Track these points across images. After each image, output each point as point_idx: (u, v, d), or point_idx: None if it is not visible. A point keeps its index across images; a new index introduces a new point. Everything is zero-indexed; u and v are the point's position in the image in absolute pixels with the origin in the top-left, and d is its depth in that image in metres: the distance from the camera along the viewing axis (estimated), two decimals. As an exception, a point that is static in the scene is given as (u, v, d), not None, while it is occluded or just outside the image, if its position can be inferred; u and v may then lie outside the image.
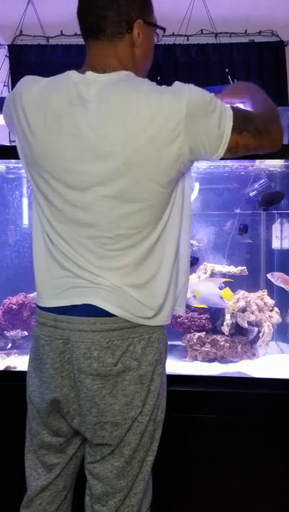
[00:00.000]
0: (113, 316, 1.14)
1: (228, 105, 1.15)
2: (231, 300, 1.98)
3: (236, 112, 1.15)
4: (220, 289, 1.96)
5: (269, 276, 2.11)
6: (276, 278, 2.10)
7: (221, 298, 1.97)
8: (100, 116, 1.08)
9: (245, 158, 1.31)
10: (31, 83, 1.18)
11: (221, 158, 1.16)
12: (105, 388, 1.14)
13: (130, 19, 1.16)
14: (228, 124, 1.12)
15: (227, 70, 2.32)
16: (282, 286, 2.09)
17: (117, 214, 1.12)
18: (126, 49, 1.17)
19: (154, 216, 1.14)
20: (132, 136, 1.07)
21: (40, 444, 1.24)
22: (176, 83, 1.12)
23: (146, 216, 1.13)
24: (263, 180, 2.04)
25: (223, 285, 1.99)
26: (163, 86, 1.12)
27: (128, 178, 1.09)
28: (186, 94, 1.08)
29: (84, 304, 1.14)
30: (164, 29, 1.26)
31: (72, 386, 1.16)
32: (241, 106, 1.33)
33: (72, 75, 1.15)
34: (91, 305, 1.14)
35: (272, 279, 2.10)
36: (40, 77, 1.20)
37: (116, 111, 1.07)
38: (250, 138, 1.16)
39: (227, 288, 1.98)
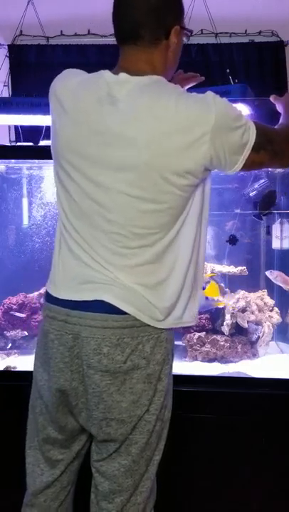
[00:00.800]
0: (124, 313, 1.14)
1: (253, 122, 1.17)
2: (217, 295, 1.97)
3: (260, 130, 1.16)
4: (203, 289, 1.94)
5: (268, 273, 2.11)
6: (275, 276, 2.09)
7: (207, 298, 1.97)
8: (128, 117, 1.10)
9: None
10: (69, 76, 1.21)
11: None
12: (113, 385, 1.14)
13: (168, 25, 1.18)
14: (250, 142, 1.14)
15: (228, 71, 2.32)
16: (281, 284, 2.09)
17: (134, 212, 1.13)
18: (161, 54, 1.19)
19: (170, 219, 1.16)
20: (156, 139, 1.09)
21: (45, 439, 1.24)
22: (209, 93, 1.14)
23: (162, 217, 1.14)
24: (262, 180, 2.04)
25: (205, 285, 1.99)
26: (194, 93, 1.14)
27: (148, 179, 1.10)
28: (215, 106, 1.10)
29: (96, 300, 1.15)
30: (191, 31, 1.28)
31: (81, 380, 1.17)
32: None
33: (106, 74, 1.17)
34: (103, 301, 1.14)
35: (270, 277, 2.10)
36: (80, 71, 1.23)
37: (144, 113, 1.09)
38: (265, 157, 1.19)
39: (212, 282, 1.98)
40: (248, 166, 1.17)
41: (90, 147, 1.13)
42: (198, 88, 2.17)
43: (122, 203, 1.13)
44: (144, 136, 1.09)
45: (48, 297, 1.23)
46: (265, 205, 2.01)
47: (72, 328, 1.15)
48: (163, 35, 1.18)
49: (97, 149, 1.13)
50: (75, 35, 2.98)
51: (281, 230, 2.13)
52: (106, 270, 1.16)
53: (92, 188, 1.15)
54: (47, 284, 1.26)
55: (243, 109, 2.19)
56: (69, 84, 1.18)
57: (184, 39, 1.27)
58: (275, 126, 1.30)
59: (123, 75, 1.15)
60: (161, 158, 1.09)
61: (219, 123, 1.09)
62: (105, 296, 1.14)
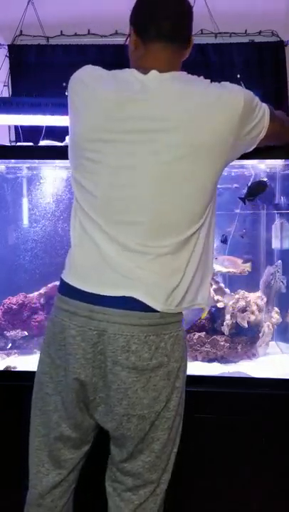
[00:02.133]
0: (152, 311, 1.15)
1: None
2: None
3: (267, 104, 1.28)
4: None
5: (214, 261, 2.08)
6: (221, 261, 2.07)
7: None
8: (161, 107, 1.14)
9: (245, 159, 1.33)
10: (94, 69, 1.25)
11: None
12: (139, 382, 1.15)
13: (190, 34, 1.27)
14: (266, 115, 1.25)
15: (239, 76, 2.33)
16: (232, 270, 2.07)
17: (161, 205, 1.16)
18: (183, 58, 1.27)
19: (200, 210, 1.19)
20: (193, 118, 1.13)
21: (58, 437, 1.23)
22: (227, 83, 1.21)
23: (195, 208, 1.18)
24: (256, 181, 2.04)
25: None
26: (216, 83, 1.21)
27: (189, 161, 1.14)
28: (242, 91, 1.18)
29: (124, 296, 1.14)
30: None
31: (101, 376, 1.17)
32: None
33: (135, 72, 1.20)
34: (130, 298, 1.14)
35: (219, 264, 2.06)
36: (100, 68, 1.27)
37: (178, 100, 1.14)
38: (278, 126, 1.30)
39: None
40: (268, 136, 1.26)
41: (125, 138, 1.15)
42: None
43: (149, 195, 1.15)
44: (177, 124, 1.13)
45: (66, 289, 1.21)
46: (253, 191, 2.01)
47: (97, 324, 1.15)
48: (188, 41, 1.26)
49: (132, 138, 1.14)
50: (75, 35, 2.98)
51: (281, 230, 2.13)
52: (131, 262, 1.15)
53: (121, 175, 1.15)
54: (64, 275, 1.23)
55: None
56: (96, 74, 1.23)
57: None
58: None
59: (153, 72, 1.18)
60: (200, 137, 1.13)
61: (247, 105, 1.17)
62: (134, 292, 1.14)
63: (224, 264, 2.06)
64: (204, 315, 1.95)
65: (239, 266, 2.06)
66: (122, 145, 1.15)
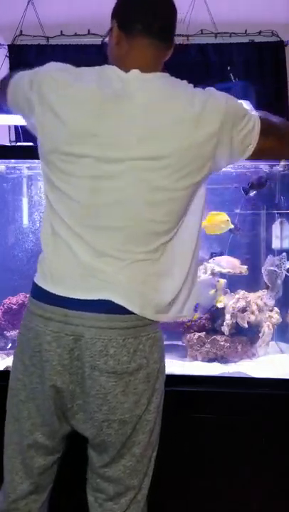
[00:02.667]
0: (129, 313, 1.12)
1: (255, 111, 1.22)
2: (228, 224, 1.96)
3: (263, 116, 1.22)
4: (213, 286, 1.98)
5: (211, 261, 2.07)
6: (218, 262, 2.06)
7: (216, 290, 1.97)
8: (143, 109, 1.11)
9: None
10: (59, 69, 1.23)
11: (247, 159, 1.23)
12: (119, 386, 1.13)
13: (174, 35, 1.23)
14: (257, 127, 1.18)
15: (229, 68, 2.31)
16: (231, 270, 2.06)
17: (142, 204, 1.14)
18: (164, 60, 1.23)
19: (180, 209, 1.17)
20: (174, 127, 1.10)
21: (32, 444, 1.20)
22: (211, 89, 1.18)
23: (173, 208, 1.16)
24: (256, 176, 2.04)
25: (216, 279, 2.00)
26: (200, 88, 1.18)
27: (168, 168, 1.11)
28: (225, 98, 1.15)
29: (100, 300, 1.12)
30: None
31: (79, 382, 1.14)
32: None
33: (114, 68, 1.17)
34: (107, 301, 1.12)
35: (217, 266, 2.06)
36: (64, 64, 1.25)
37: (160, 105, 1.12)
38: (274, 141, 1.22)
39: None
40: (259, 153, 1.20)
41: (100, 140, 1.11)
42: (201, 86, 2.18)
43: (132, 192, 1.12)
44: (161, 129, 1.10)
45: (39, 294, 1.17)
46: (255, 185, 2.01)
47: (74, 329, 1.12)
48: (172, 40, 1.22)
49: (114, 140, 1.11)
50: (75, 35, 2.99)
51: (281, 230, 2.13)
52: (107, 267, 1.13)
53: (98, 179, 1.12)
54: (37, 279, 1.19)
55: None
56: (62, 77, 1.19)
57: None
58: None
59: (136, 72, 1.14)
60: (179, 145, 1.10)
61: (230, 111, 1.14)
62: (111, 295, 1.11)
63: (221, 265, 2.05)
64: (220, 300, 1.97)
65: (237, 267, 2.06)
66: (100, 150, 1.11)
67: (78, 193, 1.14)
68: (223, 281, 2.03)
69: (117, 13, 1.20)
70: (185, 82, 1.18)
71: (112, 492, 1.20)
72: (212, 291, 1.98)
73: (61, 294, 1.14)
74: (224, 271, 2.12)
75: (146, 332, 1.15)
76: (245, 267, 2.10)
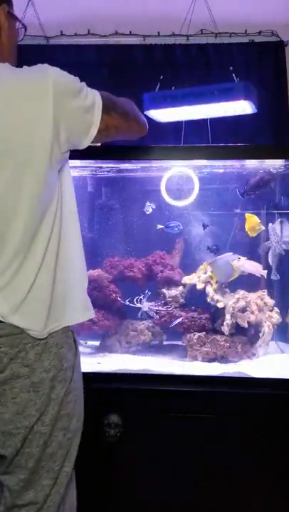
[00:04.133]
0: (0, 322, 1.08)
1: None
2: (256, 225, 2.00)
3: (103, 93, 1.15)
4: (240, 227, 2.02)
5: (235, 262, 2.06)
6: (242, 265, 2.06)
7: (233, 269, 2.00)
8: None
9: (244, 158, 1.32)
10: None
11: (93, 142, 1.15)
12: None
13: None
14: (98, 103, 1.12)
15: (231, 68, 2.29)
16: (253, 272, 2.07)
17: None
18: None
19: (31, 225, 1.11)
20: (4, 117, 1.04)
21: None
22: (39, 65, 1.12)
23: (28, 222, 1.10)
24: (258, 177, 2.04)
25: (238, 258, 2.01)
26: (25, 67, 1.12)
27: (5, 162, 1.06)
28: (51, 70, 1.08)
29: None
30: (25, 26, 1.28)
31: None
32: None
33: None
34: None
35: (239, 267, 2.06)
36: None
37: None
38: (119, 119, 1.17)
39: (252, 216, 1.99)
40: (104, 130, 1.14)
41: None
42: (198, 87, 2.18)
43: None
44: None
45: None
46: (252, 187, 2.01)
47: None
48: None
49: None
50: (75, 35, 2.98)
51: (281, 230, 2.12)
52: None
53: None
54: None
55: (246, 107, 2.19)
56: None
57: (19, 33, 1.25)
58: None
59: None
60: (12, 136, 1.04)
61: (59, 88, 1.06)
62: None
63: (245, 267, 2.06)
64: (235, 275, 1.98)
65: (259, 271, 2.07)
66: None
67: None
68: (244, 258, 2.03)
69: None
70: (6, 65, 1.14)
71: (9, 503, 1.14)
72: (234, 265, 1.99)
73: None
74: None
75: (31, 339, 1.10)
76: (266, 271, 2.10)
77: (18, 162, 1.06)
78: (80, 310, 1.22)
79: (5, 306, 1.09)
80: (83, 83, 1.13)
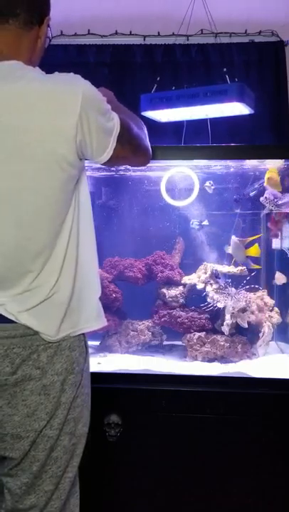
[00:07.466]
0: (14, 322, 1.08)
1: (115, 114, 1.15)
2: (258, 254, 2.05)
3: (124, 123, 1.15)
4: (246, 247, 2.03)
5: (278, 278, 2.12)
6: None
7: (247, 257, 2.03)
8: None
9: (244, 158, 1.32)
10: None
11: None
12: (2, 398, 1.08)
13: (43, 13, 1.16)
14: (116, 131, 1.13)
15: (225, 69, 2.30)
16: (231, 270, 2.10)
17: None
18: (30, 40, 1.16)
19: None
20: (31, 122, 1.03)
21: None
22: (72, 74, 1.10)
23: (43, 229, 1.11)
24: (262, 180, 2.04)
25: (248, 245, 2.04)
26: (56, 74, 1.11)
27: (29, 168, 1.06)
28: (81, 84, 1.08)
29: None
30: (50, 38, 1.28)
31: None
32: None
33: None
34: None
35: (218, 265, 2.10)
36: None
37: (14, 98, 1.04)
38: (129, 152, 1.19)
39: (256, 245, 2.02)
40: (114, 158, 1.14)
41: None
42: (192, 89, 2.18)
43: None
44: (18, 122, 1.03)
45: None
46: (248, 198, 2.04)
47: None
48: (37, 20, 1.15)
49: None
50: (75, 35, 2.98)
51: (281, 230, 2.13)
52: None
53: None
54: None
55: (241, 108, 2.19)
56: None
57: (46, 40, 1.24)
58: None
59: None
60: (38, 142, 1.03)
61: (87, 100, 1.06)
62: None
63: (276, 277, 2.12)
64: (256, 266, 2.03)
65: (283, 280, 2.11)
66: None
67: None
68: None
69: None
70: (37, 69, 1.13)
71: (9, 507, 1.14)
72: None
73: None
74: (224, 270, 2.12)
75: (44, 341, 1.09)
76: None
77: (39, 168, 1.06)
78: (93, 317, 1.22)
79: (21, 307, 1.09)
80: (109, 106, 1.13)
